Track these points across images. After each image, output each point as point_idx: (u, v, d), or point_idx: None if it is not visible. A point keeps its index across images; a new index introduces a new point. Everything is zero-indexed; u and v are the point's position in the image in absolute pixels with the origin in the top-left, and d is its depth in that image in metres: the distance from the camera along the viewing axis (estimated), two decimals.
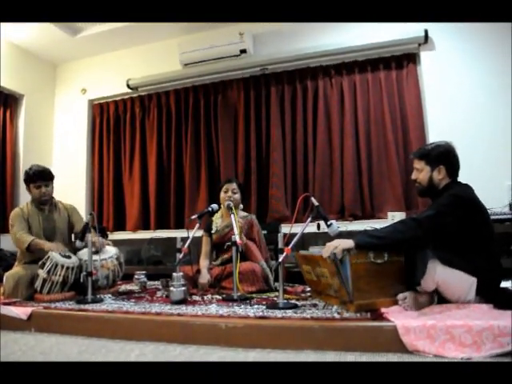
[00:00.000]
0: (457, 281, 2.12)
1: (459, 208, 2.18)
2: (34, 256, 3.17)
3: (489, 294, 2.13)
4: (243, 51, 4.81)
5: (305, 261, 2.71)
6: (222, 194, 3.37)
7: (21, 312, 2.60)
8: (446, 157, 2.38)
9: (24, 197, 5.03)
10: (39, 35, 5.04)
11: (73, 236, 3.49)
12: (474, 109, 4.18)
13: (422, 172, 2.43)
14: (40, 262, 3.00)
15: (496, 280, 2.24)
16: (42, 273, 2.95)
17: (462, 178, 2.43)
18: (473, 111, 4.18)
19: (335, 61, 4.76)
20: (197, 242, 3.36)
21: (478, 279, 2.13)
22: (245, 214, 3.50)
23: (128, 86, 5.44)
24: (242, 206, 3.49)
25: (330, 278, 2.31)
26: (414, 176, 2.50)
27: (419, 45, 4.43)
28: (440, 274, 2.07)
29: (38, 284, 2.97)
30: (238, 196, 3.37)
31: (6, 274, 3.10)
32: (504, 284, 2.30)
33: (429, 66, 4.43)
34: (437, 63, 4.39)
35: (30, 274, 3.05)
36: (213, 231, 3.43)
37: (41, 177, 3.32)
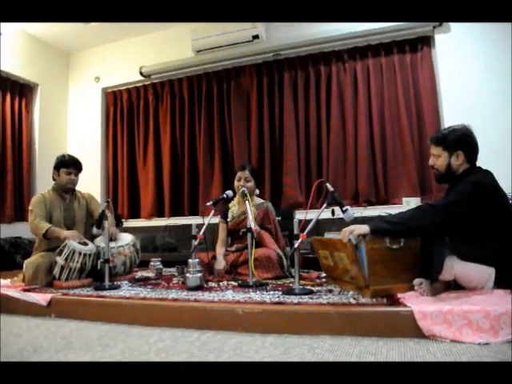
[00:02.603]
0: (475, 273, 2.09)
1: (479, 196, 2.14)
2: (52, 244, 3.22)
3: (507, 281, 2.11)
4: (256, 37, 4.79)
5: (322, 245, 2.70)
6: (236, 183, 3.38)
7: (41, 298, 2.66)
8: (464, 141, 2.32)
9: (40, 185, 5.12)
10: (52, 24, 5.06)
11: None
12: (489, 91, 4.11)
13: (439, 158, 2.37)
14: (58, 250, 3.04)
15: None
16: (60, 260, 3.00)
17: (478, 161, 2.38)
18: (488, 94, 4.11)
19: (348, 45, 4.71)
20: (212, 228, 3.38)
21: (497, 268, 2.11)
22: (261, 201, 3.50)
23: (141, 73, 5.45)
24: (257, 191, 3.49)
25: (348, 263, 2.30)
26: (431, 162, 2.44)
27: (434, 27, 4.36)
28: (458, 269, 2.05)
29: (56, 271, 3.02)
30: (251, 184, 3.37)
31: (26, 262, 3.16)
32: None
33: (444, 48, 4.36)
34: (452, 46, 4.32)
35: (48, 261, 3.10)
36: (229, 218, 3.45)
37: (74, 164, 3.44)
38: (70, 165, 3.41)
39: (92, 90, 5.89)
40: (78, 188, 3.61)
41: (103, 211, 3.06)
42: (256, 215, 3.31)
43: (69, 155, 3.49)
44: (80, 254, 3.02)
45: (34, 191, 5.17)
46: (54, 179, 3.47)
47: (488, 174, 2.27)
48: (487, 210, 2.15)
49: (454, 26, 4.31)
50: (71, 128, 5.97)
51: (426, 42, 4.47)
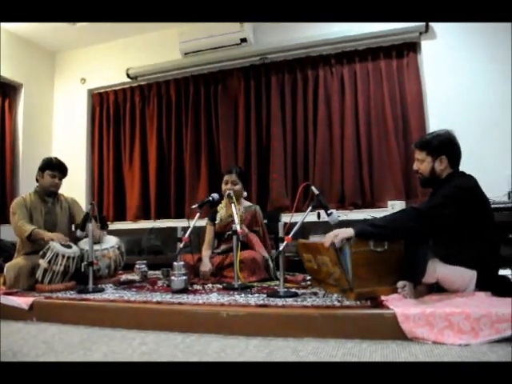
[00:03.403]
0: (457, 276, 2.13)
1: (461, 200, 2.17)
2: (34, 246, 3.18)
3: (488, 283, 2.15)
4: (243, 40, 4.80)
5: (306, 249, 2.72)
6: (223, 186, 3.39)
7: (22, 302, 2.61)
8: (447, 146, 2.36)
9: (23, 187, 5.05)
10: (38, 23, 4.99)
11: (73, 227, 3.49)
12: (474, 97, 4.17)
13: (423, 163, 2.41)
14: (41, 252, 3.00)
15: (495, 269, 2.25)
16: (43, 263, 2.95)
17: (462, 166, 2.42)
18: (473, 100, 4.17)
19: (335, 50, 4.74)
20: (197, 231, 3.38)
21: (479, 271, 2.14)
22: (249, 204, 3.52)
23: (128, 75, 5.42)
24: (245, 194, 3.50)
25: (331, 266, 2.31)
26: (415, 167, 2.48)
27: (420, 34, 4.43)
28: (441, 272, 2.09)
29: (39, 274, 2.97)
30: (238, 187, 3.37)
31: (7, 265, 3.10)
32: (502, 272, 2.32)
33: (429, 54, 4.42)
34: (437, 52, 4.38)
35: (30, 264, 3.06)
36: (217, 221, 3.45)
37: (60, 168, 3.40)
38: (55, 168, 3.37)
39: (78, 91, 5.84)
40: (62, 190, 3.58)
41: (87, 213, 3.03)
42: (244, 218, 3.32)
43: (56, 159, 3.45)
44: (63, 256, 2.98)
45: (16, 193, 5.09)
46: (37, 180, 3.43)
47: (471, 179, 2.31)
48: (469, 214, 2.18)
49: (439, 32, 4.37)
50: (56, 129, 5.89)
51: (412, 48, 4.52)
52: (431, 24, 4.32)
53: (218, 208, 3.52)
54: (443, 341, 1.74)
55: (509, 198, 3.70)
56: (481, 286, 2.15)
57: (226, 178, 3.40)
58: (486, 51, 4.20)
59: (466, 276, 2.14)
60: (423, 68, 4.45)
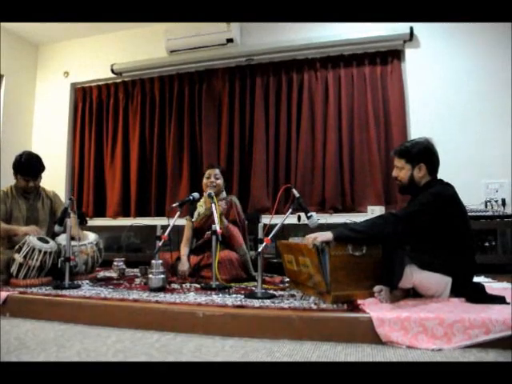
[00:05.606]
0: (433, 282, 2.17)
1: (439, 207, 2.21)
2: (11, 243, 3.12)
3: (462, 290, 2.19)
4: (230, 40, 4.79)
5: (287, 250, 2.72)
6: (205, 180, 3.37)
7: None
8: (426, 154, 2.40)
9: (3, 181, 4.94)
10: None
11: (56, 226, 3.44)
12: (454, 107, 4.25)
13: (402, 170, 2.45)
14: (17, 247, 2.95)
15: (470, 276, 2.29)
16: (19, 257, 2.90)
17: (441, 174, 2.46)
18: (453, 109, 4.25)
19: (321, 54, 4.77)
20: (177, 230, 3.36)
21: (454, 278, 2.18)
22: (225, 195, 3.50)
23: (112, 70, 5.36)
24: (224, 193, 3.49)
25: (311, 267, 2.32)
26: (394, 174, 2.51)
27: (404, 42, 4.48)
28: (417, 278, 2.13)
29: (13, 269, 2.92)
30: (220, 181, 3.37)
31: None
32: (476, 279, 2.37)
33: (413, 63, 4.48)
34: (421, 60, 4.44)
35: (5, 258, 3.00)
36: (195, 217, 3.43)
37: (31, 173, 3.29)
38: (26, 173, 3.27)
39: (61, 85, 5.74)
40: (42, 185, 3.51)
41: (66, 208, 2.99)
42: (222, 210, 3.29)
43: (26, 158, 3.27)
44: (40, 251, 2.94)
45: None
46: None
47: (448, 187, 2.35)
48: (446, 221, 2.22)
49: (423, 41, 4.43)
50: (37, 122, 5.79)
51: (397, 55, 4.57)
52: (415, 32, 4.37)
53: (198, 205, 3.50)
54: (417, 345, 1.77)
55: (485, 206, 3.78)
56: (455, 292, 2.19)
57: (208, 171, 3.39)
58: (468, 61, 4.27)
59: (441, 282, 2.18)
60: (406, 76, 4.51)
